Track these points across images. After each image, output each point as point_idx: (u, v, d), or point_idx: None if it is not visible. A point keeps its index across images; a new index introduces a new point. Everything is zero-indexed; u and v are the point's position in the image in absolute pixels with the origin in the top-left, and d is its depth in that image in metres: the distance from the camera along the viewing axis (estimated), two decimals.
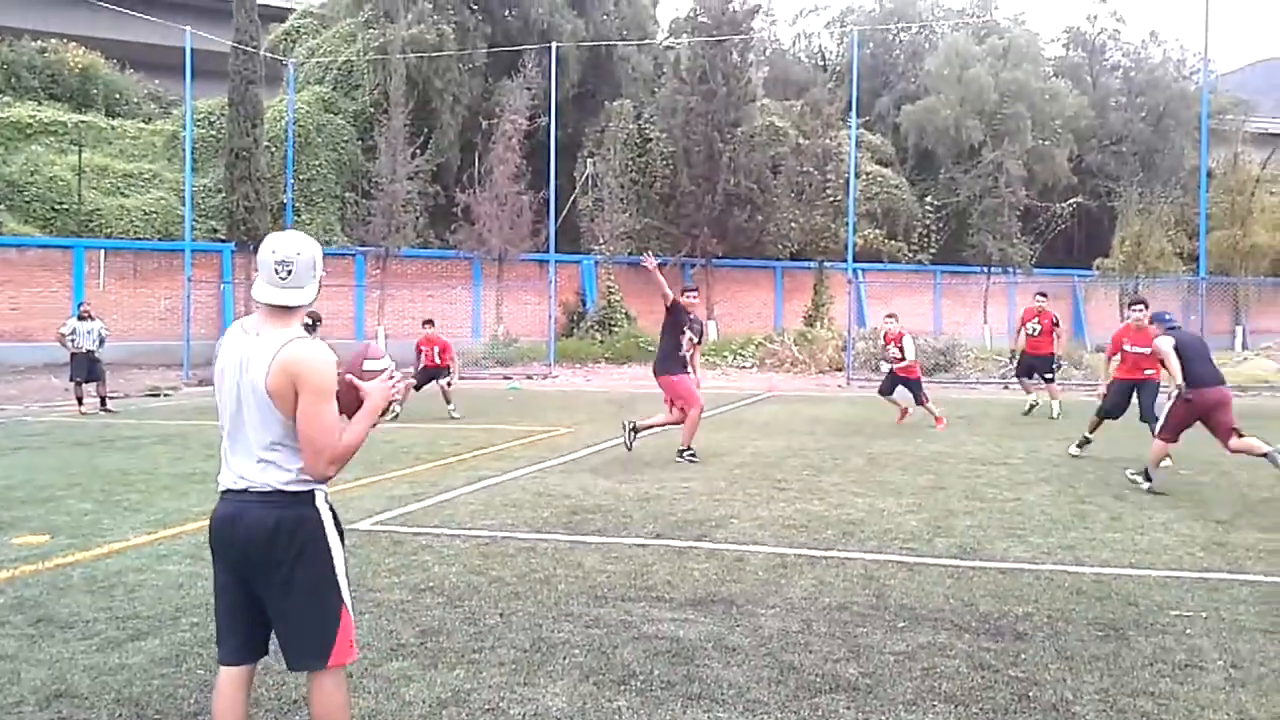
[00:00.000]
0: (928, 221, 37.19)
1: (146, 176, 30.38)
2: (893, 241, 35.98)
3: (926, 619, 5.42)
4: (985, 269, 35.96)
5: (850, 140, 29.71)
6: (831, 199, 32.54)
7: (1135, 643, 5.05)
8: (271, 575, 3.28)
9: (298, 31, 37.36)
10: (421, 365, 16.33)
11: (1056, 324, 15.89)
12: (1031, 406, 16.23)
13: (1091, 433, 11.74)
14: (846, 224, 28.76)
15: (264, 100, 27.96)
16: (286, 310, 3.33)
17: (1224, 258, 38.34)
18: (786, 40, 51.57)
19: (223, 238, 28.16)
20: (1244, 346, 36.56)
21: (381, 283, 29.06)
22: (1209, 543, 7.17)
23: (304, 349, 3.22)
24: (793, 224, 33.32)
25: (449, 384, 16.48)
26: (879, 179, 38.84)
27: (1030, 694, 4.38)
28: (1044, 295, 16.19)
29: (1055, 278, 39.98)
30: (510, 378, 24.80)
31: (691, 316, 11.44)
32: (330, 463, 3.24)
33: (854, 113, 29.63)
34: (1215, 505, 8.56)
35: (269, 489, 3.27)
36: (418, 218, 31.81)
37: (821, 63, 50.06)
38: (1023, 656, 4.84)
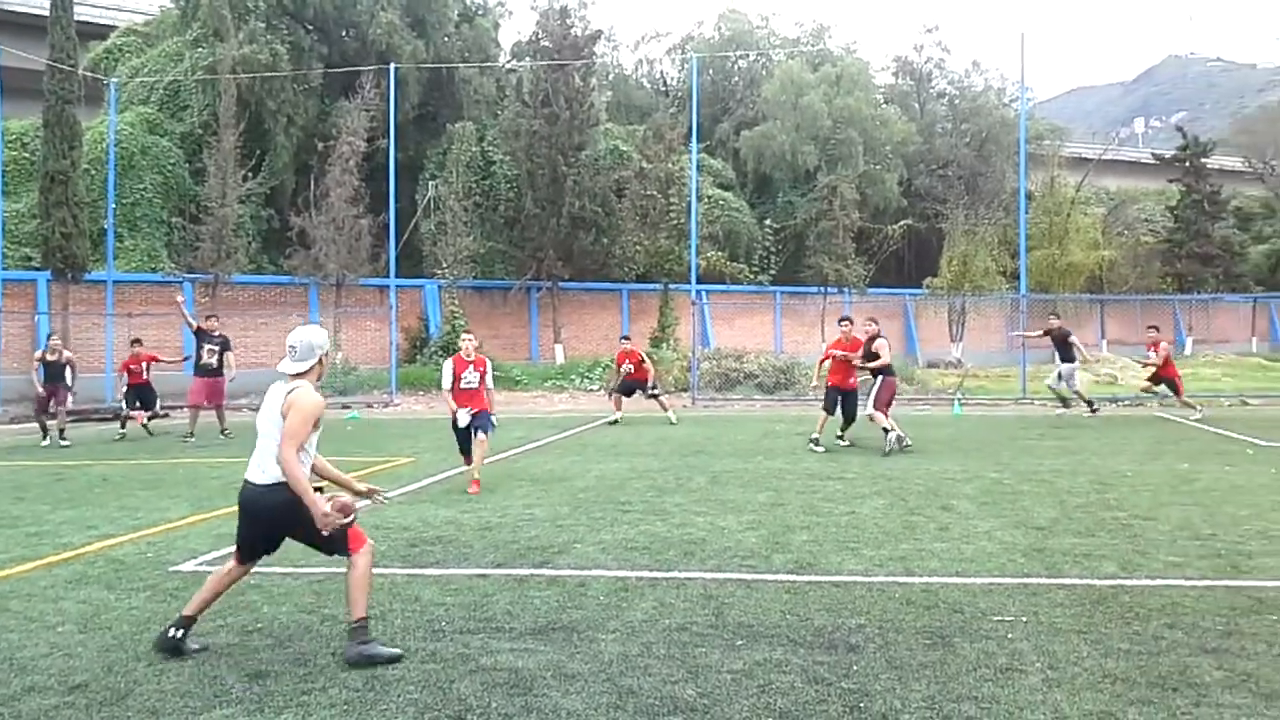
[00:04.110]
0: (767, 244, 38.09)
1: None
2: (734, 263, 36.69)
3: (764, 636, 5.50)
4: (822, 289, 37.03)
5: (692, 164, 30.20)
6: (675, 222, 32.98)
7: (960, 649, 5.23)
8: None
9: (120, 50, 35.68)
10: (128, 384, 17.42)
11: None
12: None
13: (820, 431, 14.42)
14: (689, 246, 29.18)
15: (83, 121, 26.54)
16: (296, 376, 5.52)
17: (1043, 275, 40.49)
18: (629, 65, 52.28)
19: (38, 266, 26.54)
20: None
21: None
22: (1029, 549, 7.50)
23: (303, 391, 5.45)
24: (638, 246, 33.61)
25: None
26: (720, 202, 39.59)
27: (861, 705, 4.48)
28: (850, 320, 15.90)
29: (888, 296, 41.55)
30: (349, 407, 24.13)
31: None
32: (284, 446, 5.19)
33: (695, 137, 30.15)
34: (1035, 513, 8.97)
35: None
36: (250, 243, 30.73)
37: (663, 88, 50.86)
38: (855, 668, 4.95)
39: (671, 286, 33.87)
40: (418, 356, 30.76)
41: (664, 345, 32.66)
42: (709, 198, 38.23)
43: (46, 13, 26.44)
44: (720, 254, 35.99)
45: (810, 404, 23.96)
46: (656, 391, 19.75)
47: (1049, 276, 40.73)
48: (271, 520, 5.37)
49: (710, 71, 47.32)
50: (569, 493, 10.53)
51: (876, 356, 14.26)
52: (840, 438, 14.61)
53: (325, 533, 5.25)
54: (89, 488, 11.61)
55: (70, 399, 17.79)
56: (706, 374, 25.61)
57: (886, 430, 13.73)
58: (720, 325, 36.59)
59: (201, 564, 7.43)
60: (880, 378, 14.25)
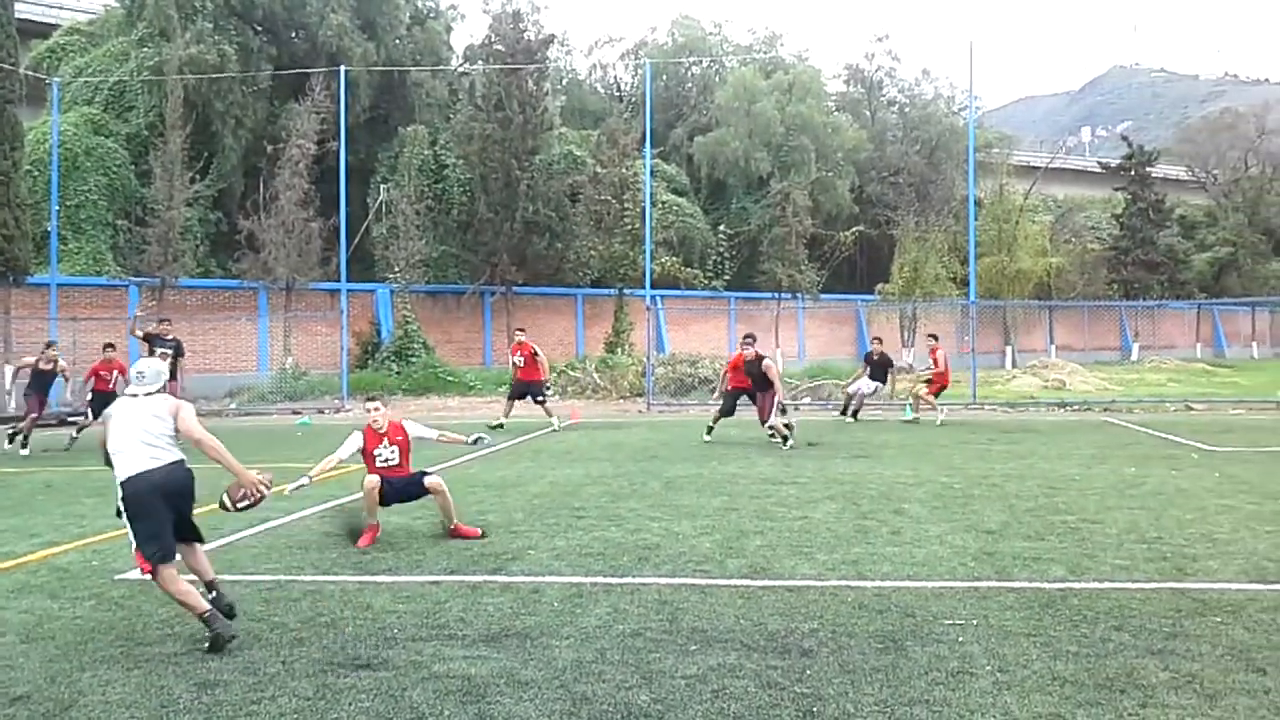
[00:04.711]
0: (721, 249, 38.26)
1: None
2: (689, 269, 36.82)
3: (718, 641, 5.51)
4: (776, 295, 37.25)
5: (645, 170, 30.26)
6: (629, 227, 33.02)
7: (912, 653, 5.27)
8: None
9: (63, 49, 35.02)
10: (93, 390, 16.85)
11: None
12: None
13: (714, 424, 16.54)
14: (644, 251, 29.22)
15: (25, 122, 26.03)
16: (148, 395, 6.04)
17: (993, 282, 41.02)
18: (583, 70, 52.26)
19: None
20: (1013, 365, 39.23)
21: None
22: (980, 553, 7.58)
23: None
24: (592, 251, 33.62)
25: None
26: (675, 208, 39.71)
27: (814, 709, 4.50)
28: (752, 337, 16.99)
29: (840, 302, 41.90)
30: (300, 412, 23.87)
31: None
32: (204, 433, 6.01)
33: (648, 143, 30.20)
34: (986, 517, 9.08)
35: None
36: (198, 246, 30.30)
37: (617, 93, 50.92)
38: (808, 673, 4.97)
39: (626, 292, 33.89)
40: (369, 361, 30.50)
41: (619, 350, 32.69)
42: (663, 203, 38.32)
43: None
44: (675, 259, 36.10)
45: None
46: (543, 399, 19.02)
47: (998, 283, 41.25)
48: (181, 492, 5.87)
49: (664, 77, 47.46)
50: (523, 499, 10.49)
51: (765, 375, 15.57)
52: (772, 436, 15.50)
53: (250, 500, 6.18)
54: (32, 494, 11.37)
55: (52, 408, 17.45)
56: (661, 379, 25.63)
57: (785, 438, 15.05)
58: (675, 330, 36.66)
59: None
60: (767, 391, 15.56)
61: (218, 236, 31.44)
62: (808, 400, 24.87)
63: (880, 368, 20.28)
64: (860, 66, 51.09)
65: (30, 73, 28.89)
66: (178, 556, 5.81)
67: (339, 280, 27.67)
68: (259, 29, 33.99)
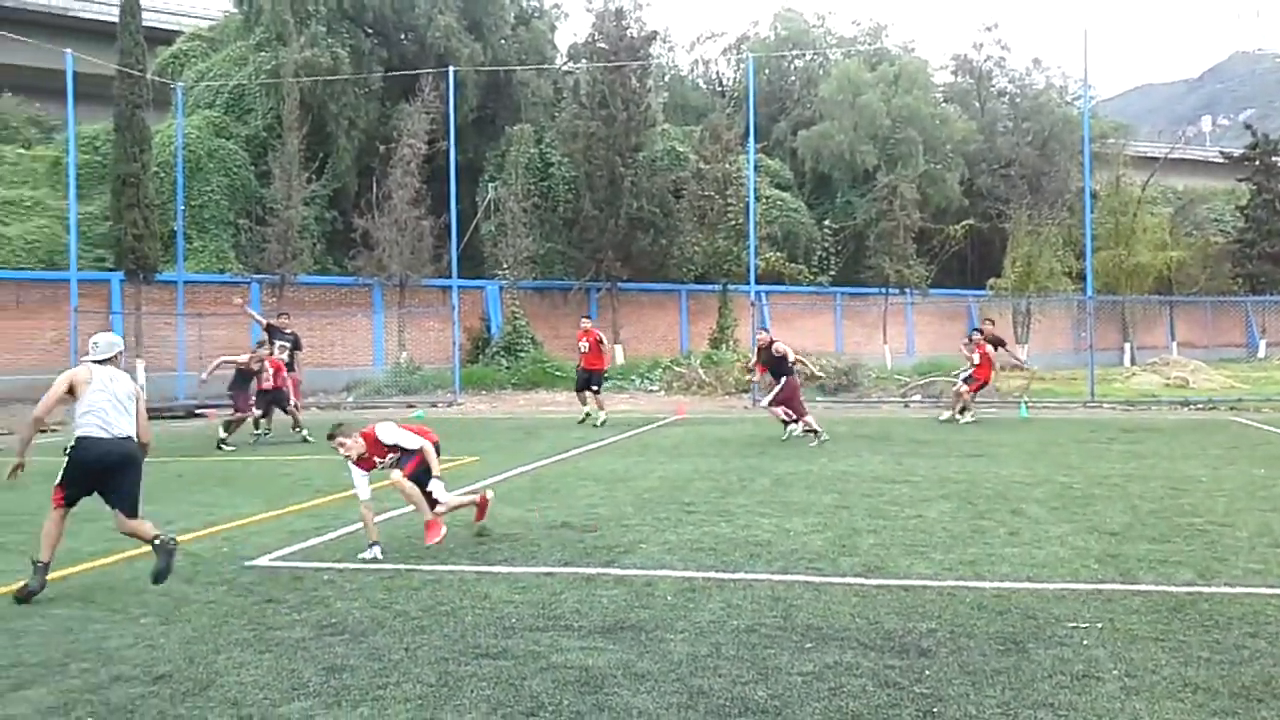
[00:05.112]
0: (826, 244, 37.87)
1: (28, 204, 29.27)
2: (793, 264, 36.53)
3: (833, 638, 5.47)
4: (883, 290, 36.73)
5: (749, 164, 30.12)
6: (733, 222, 32.90)
7: (1035, 655, 5.16)
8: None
9: (186, 55, 36.47)
10: (259, 389, 16.96)
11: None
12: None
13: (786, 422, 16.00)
14: (748, 247, 29.09)
15: (152, 125, 27.17)
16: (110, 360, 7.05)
17: (1110, 277, 39.76)
18: (685, 66, 52.23)
19: (111, 267, 27.21)
20: (1132, 362, 38.00)
21: (279, 310, 28.39)
22: (1103, 555, 7.38)
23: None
24: (696, 247, 33.62)
25: (298, 407, 17.39)
26: (778, 202, 39.43)
27: (935, 710, 4.44)
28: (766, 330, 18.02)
29: (950, 298, 41.10)
30: (414, 406, 24.42)
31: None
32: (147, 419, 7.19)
33: (752, 138, 30.04)
34: (1108, 518, 8.82)
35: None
36: (315, 244, 31.20)
37: (719, 88, 50.72)
38: (927, 673, 4.91)
39: (730, 287, 33.79)
40: (480, 356, 31.05)
41: (723, 346, 32.61)
42: (767, 198, 38.09)
43: (116, 19, 27.13)
44: (779, 254, 35.84)
45: (872, 405, 23.84)
46: (598, 389, 19.40)
47: (1115, 278, 39.97)
48: (123, 464, 6.79)
49: (766, 71, 47.11)
50: (633, 493, 10.56)
51: (780, 359, 16.06)
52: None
53: None
54: (165, 484, 11.88)
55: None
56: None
57: (785, 422, 15.86)
58: (779, 326, 36.34)
59: (274, 559, 7.58)
60: (783, 378, 16.04)
61: (334, 234, 32.36)
62: (918, 398, 24.46)
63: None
64: (968, 57, 49.98)
65: (156, 78, 30.10)
66: (66, 509, 6.85)
67: (450, 277, 28.21)
68: (370, 31, 34.84)
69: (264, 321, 19.02)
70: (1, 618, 6.06)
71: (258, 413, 16.96)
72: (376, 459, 7.84)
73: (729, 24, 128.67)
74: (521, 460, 13.59)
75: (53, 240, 28.20)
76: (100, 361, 6.96)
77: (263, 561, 7.53)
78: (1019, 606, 6.05)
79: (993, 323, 20.47)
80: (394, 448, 7.83)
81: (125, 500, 6.80)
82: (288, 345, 17.97)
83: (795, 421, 15.76)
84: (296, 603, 6.33)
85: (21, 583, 6.68)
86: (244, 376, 16.97)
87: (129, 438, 6.82)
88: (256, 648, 5.47)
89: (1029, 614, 5.89)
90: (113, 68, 26.05)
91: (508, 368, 29.81)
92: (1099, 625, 5.65)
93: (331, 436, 7.89)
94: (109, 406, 6.75)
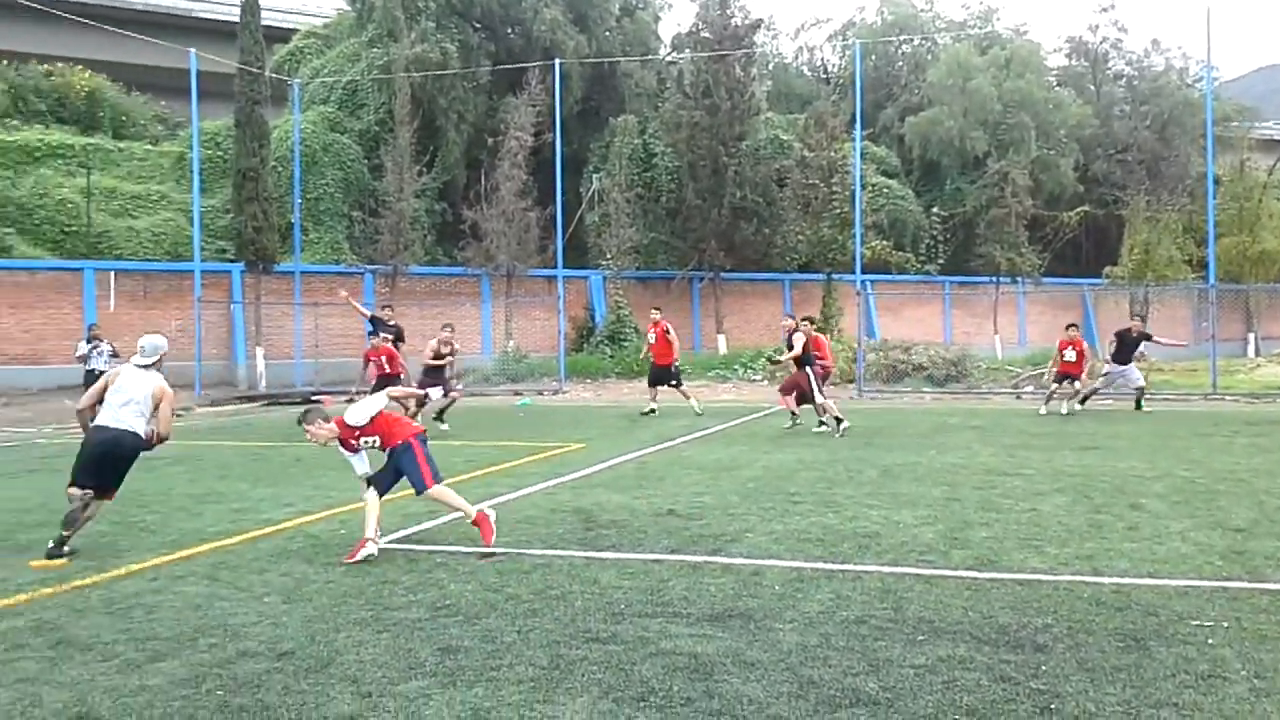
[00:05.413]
0: (935, 232, 37.17)
1: (154, 198, 30.54)
2: (900, 253, 35.96)
3: (945, 632, 5.40)
4: (994, 279, 35.93)
5: (855, 152, 29.74)
6: (838, 211, 32.55)
7: (1157, 653, 5.01)
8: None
9: (302, 52, 37.58)
10: (374, 375, 17.02)
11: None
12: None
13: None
14: (853, 236, 28.74)
15: (270, 120, 28.07)
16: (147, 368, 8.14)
17: (1233, 264, 38.27)
18: (789, 53, 51.77)
19: (231, 258, 28.23)
20: (1256, 353, 36.50)
21: (391, 300, 29.09)
22: (1228, 551, 7.12)
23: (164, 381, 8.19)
24: (800, 236, 33.36)
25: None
26: (885, 190, 38.87)
27: (1052, 706, 4.35)
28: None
29: (1064, 286, 40.00)
30: (521, 394, 24.80)
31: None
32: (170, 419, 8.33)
33: (858, 124, 29.65)
34: (1232, 514, 8.51)
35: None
36: (425, 235, 31.87)
37: (824, 75, 50.19)
38: (1044, 668, 4.81)
39: (835, 276, 33.46)
40: (584, 345, 31.36)
41: (828, 336, 32.29)
42: (873, 185, 37.59)
43: (236, 19, 28.07)
44: (885, 243, 35.34)
45: (983, 396, 23.35)
46: (677, 382, 19.07)
47: (1239, 266, 38.44)
48: (121, 455, 7.78)
49: (873, 57, 46.45)
50: (737, 482, 10.56)
51: (792, 348, 15.74)
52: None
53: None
54: (285, 468, 12.30)
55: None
56: (873, 366, 25.19)
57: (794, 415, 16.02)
58: (886, 316, 35.94)
59: (390, 542, 7.77)
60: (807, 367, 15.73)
61: (443, 226, 33.03)
62: (1030, 389, 23.87)
63: (1130, 347, 18.91)
64: (1083, 39, 48.44)
65: (274, 75, 31.06)
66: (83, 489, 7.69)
67: (556, 267, 28.54)
68: (478, 26, 35.39)
69: (368, 314, 19.44)
70: (137, 594, 6.36)
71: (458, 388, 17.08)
72: (354, 441, 7.53)
73: (834, 10, 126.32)
74: (627, 448, 13.69)
75: (177, 232, 29.37)
76: (144, 366, 8.15)
77: (381, 544, 7.72)
78: (1139, 603, 5.88)
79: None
80: (364, 428, 7.49)
81: (107, 479, 7.86)
82: (390, 338, 18.37)
83: (802, 413, 15.95)
84: (412, 584, 6.50)
85: (152, 559, 7.02)
86: (435, 369, 17.16)
87: (128, 430, 7.80)
88: (374, 627, 5.63)
89: (1150, 611, 5.73)
90: (233, 65, 27.00)
91: (611, 356, 30.06)
92: (1224, 624, 5.46)
93: (300, 423, 7.71)
94: (119, 404, 7.86)
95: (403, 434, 7.61)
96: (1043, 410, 18.41)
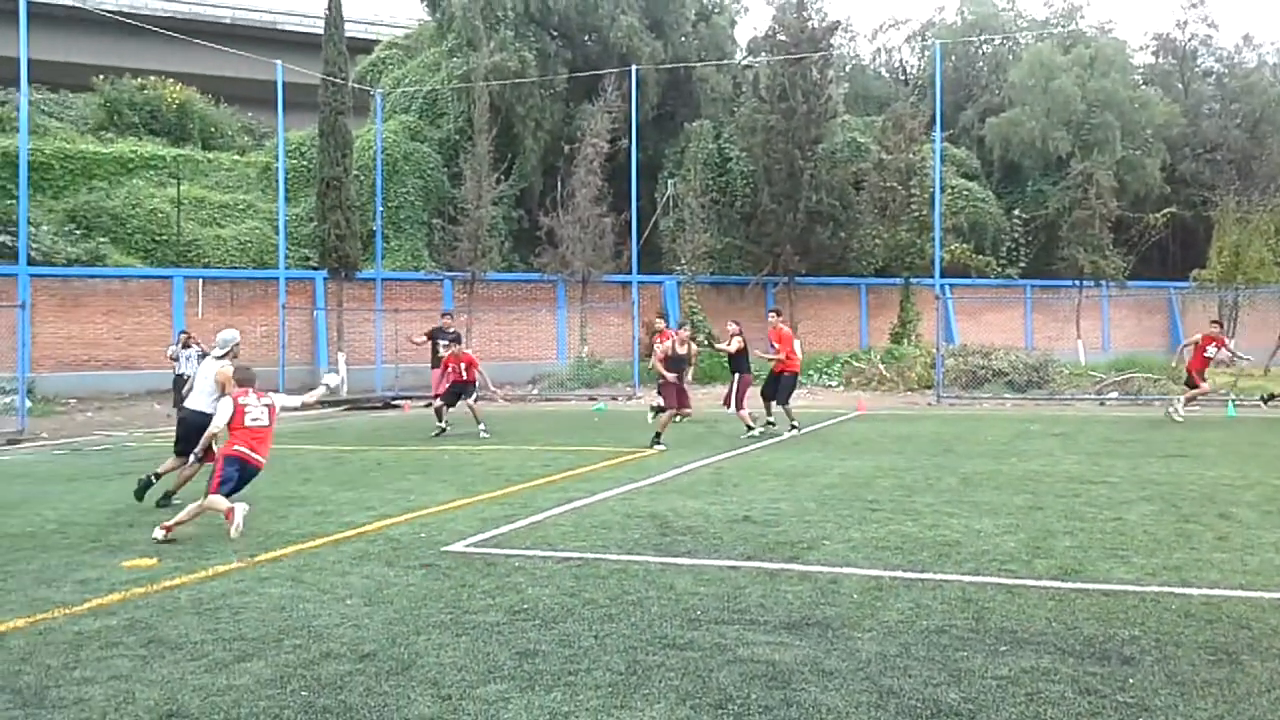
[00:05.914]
0: (1016, 235, 36.50)
1: (241, 207, 31.33)
2: (980, 256, 35.37)
3: (1028, 642, 5.30)
4: (1077, 282, 35.15)
5: (935, 154, 29.33)
6: (916, 214, 32.13)
7: (1250, 668, 4.87)
8: None
9: (384, 62, 38.26)
10: (449, 382, 17.38)
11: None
12: None
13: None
14: (932, 239, 28.35)
15: (352, 130, 28.63)
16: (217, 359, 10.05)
17: None
18: (866, 55, 51.28)
19: (315, 265, 28.84)
20: None
21: (469, 306, 29.48)
22: None
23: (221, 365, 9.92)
24: (876, 240, 33.01)
25: (475, 400, 17.41)
26: (964, 192, 38.26)
27: None
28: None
29: (1150, 290, 38.98)
30: (595, 399, 24.92)
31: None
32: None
33: (938, 126, 29.22)
34: None
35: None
36: (503, 242, 32.21)
37: (903, 77, 49.62)
38: (1131, 681, 4.71)
39: (913, 281, 33.03)
40: None
41: (905, 341, 31.93)
42: (953, 188, 37.03)
43: (320, 31, 28.68)
44: (965, 246, 34.76)
45: (1066, 403, 22.87)
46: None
47: None
48: (199, 428, 9.40)
49: (953, 58, 45.75)
50: (814, 489, 10.48)
51: (739, 353, 16.12)
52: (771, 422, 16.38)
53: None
54: (365, 471, 12.52)
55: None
56: (952, 371, 24.82)
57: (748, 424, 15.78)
58: (965, 320, 35.38)
59: (470, 545, 7.87)
60: (737, 374, 16.15)
61: (520, 233, 33.35)
62: (1114, 395, 23.33)
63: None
64: (1171, 36, 47.19)
65: (357, 85, 31.68)
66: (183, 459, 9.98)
67: (630, 273, 28.63)
68: (555, 34, 35.67)
69: (427, 334, 19.95)
70: (224, 595, 6.52)
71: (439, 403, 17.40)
72: (257, 402, 8.87)
73: (913, 10, 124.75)
74: (702, 453, 13.68)
75: (263, 240, 30.09)
76: (218, 357, 10.01)
77: (457, 547, 7.83)
78: (1230, 615, 5.72)
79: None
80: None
81: (180, 443, 10.05)
82: (447, 343, 18.74)
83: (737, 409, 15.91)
84: (490, 588, 6.57)
85: (237, 561, 7.26)
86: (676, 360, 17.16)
87: (195, 410, 9.85)
88: (454, 630, 5.70)
89: (1241, 624, 5.56)
90: (317, 77, 27.58)
91: None
92: None
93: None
94: (196, 390, 10.14)
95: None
96: (1180, 415, 17.65)
